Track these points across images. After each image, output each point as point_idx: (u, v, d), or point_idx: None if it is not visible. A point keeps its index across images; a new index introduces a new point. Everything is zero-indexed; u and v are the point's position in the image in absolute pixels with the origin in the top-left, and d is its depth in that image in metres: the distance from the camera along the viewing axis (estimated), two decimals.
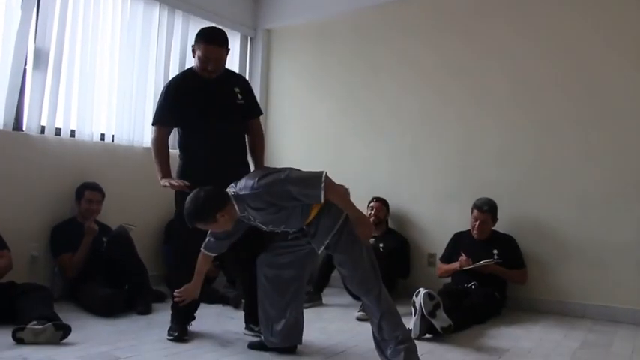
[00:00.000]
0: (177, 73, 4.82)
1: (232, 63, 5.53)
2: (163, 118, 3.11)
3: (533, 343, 3.18)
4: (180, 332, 3.03)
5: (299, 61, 5.50)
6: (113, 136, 4.44)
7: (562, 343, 3.21)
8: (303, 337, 2.88)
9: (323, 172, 2.47)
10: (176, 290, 2.82)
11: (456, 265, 3.94)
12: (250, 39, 5.71)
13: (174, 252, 3.16)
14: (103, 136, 4.39)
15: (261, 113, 3.33)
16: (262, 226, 2.62)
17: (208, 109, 3.05)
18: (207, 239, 2.72)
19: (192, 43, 3.04)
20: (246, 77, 5.54)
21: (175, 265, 3.13)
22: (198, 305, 3.19)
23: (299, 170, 2.58)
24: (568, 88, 4.06)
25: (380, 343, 2.57)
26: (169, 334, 3.03)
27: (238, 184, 2.54)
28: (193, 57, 3.05)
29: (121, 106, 4.48)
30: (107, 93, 4.42)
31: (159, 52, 4.74)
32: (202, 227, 2.56)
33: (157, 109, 3.13)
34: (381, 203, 4.54)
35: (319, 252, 2.62)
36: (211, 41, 2.97)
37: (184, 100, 3.05)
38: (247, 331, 3.19)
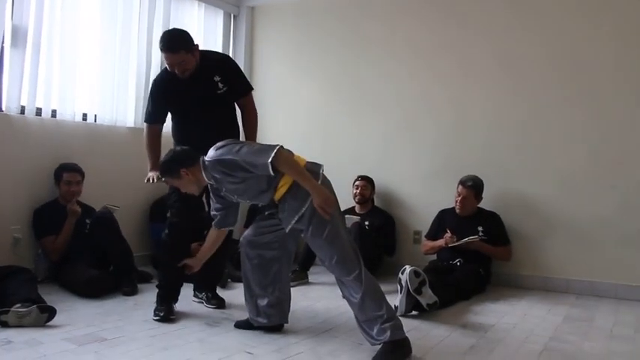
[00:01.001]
0: (159, 51, 4.78)
1: (216, 41, 5.45)
2: (150, 117, 3.28)
3: (517, 319, 3.23)
4: (167, 312, 3.03)
5: (284, 39, 5.43)
6: (95, 115, 4.36)
7: (546, 318, 3.26)
8: (289, 315, 2.89)
9: (277, 145, 2.52)
10: (185, 260, 2.97)
11: (440, 242, 3.97)
12: (234, 16, 5.61)
13: (169, 228, 3.16)
14: (85, 116, 4.31)
15: (247, 91, 3.33)
16: (230, 196, 2.68)
17: (190, 105, 3.18)
18: (214, 216, 2.86)
19: None
20: (229, 55, 5.51)
21: (168, 241, 3.13)
22: (182, 285, 3.23)
23: (261, 144, 2.66)
24: (553, 69, 4.07)
25: (364, 324, 2.53)
26: (155, 315, 3.03)
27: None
28: None
29: (103, 85, 4.40)
30: (89, 71, 4.33)
31: (141, 30, 4.64)
32: (169, 181, 2.78)
33: (146, 106, 3.30)
34: (366, 181, 4.55)
35: (287, 230, 2.62)
36: (165, 49, 3.03)
37: (167, 98, 3.20)
38: (194, 298, 3.44)
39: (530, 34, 4.16)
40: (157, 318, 3.00)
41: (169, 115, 3.31)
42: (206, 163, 2.61)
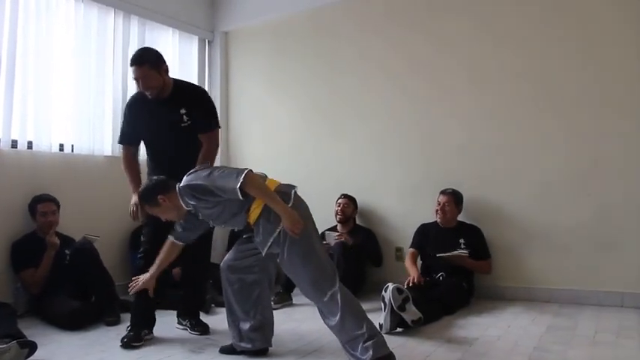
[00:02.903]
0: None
1: (191, 67, 5.48)
2: (124, 138, 3.32)
3: (501, 331, 3.24)
4: (132, 338, 3.02)
5: (258, 63, 5.48)
6: (72, 145, 4.34)
7: (530, 329, 3.28)
8: (274, 338, 2.87)
9: (246, 168, 2.56)
10: (133, 278, 2.97)
11: (413, 274, 3.88)
12: (208, 42, 5.66)
13: (142, 254, 3.16)
14: (62, 146, 4.29)
15: (207, 129, 3.25)
16: (207, 220, 2.73)
17: (157, 130, 3.22)
18: (175, 228, 2.83)
19: None
20: (205, 80, 5.55)
21: (141, 267, 3.12)
22: (154, 310, 3.22)
23: (231, 168, 2.69)
24: (524, 80, 4.14)
25: (347, 346, 2.54)
26: (121, 340, 3.02)
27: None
28: None
29: (79, 115, 4.39)
30: (64, 101, 4.32)
31: (115, 58, 4.65)
32: (149, 209, 2.79)
33: (121, 128, 3.35)
34: (348, 199, 4.57)
35: (263, 254, 2.64)
36: (131, 62, 3.09)
37: (136, 120, 3.25)
38: (178, 325, 3.41)
39: (500, 50, 4.24)
40: (120, 343, 2.99)
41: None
42: (180, 189, 2.65)
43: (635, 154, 3.76)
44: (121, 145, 3.36)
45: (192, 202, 2.63)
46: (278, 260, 2.64)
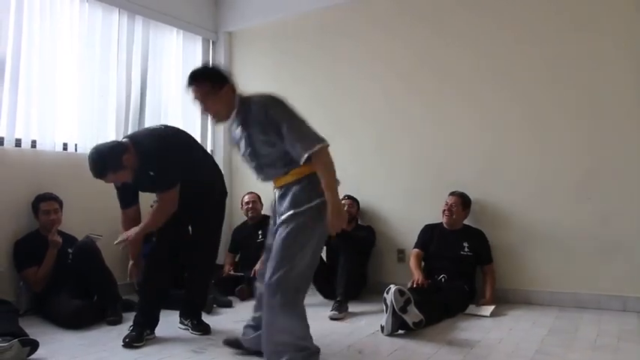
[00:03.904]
0: (138, 79, 4.82)
1: (194, 67, 5.47)
2: (121, 202, 3.28)
3: (503, 334, 3.24)
4: (133, 338, 3.02)
5: (262, 63, 5.49)
6: (76, 144, 4.36)
7: (531, 332, 3.28)
8: None
9: (325, 140, 2.39)
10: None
11: (417, 276, 3.88)
12: (212, 42, 5.67)
13: (151, 258, 3.24)
14: (65, 146, 4.30)
15: (159, 191, 3.12)
16: (244, 147, 2.51)
17: (143, 189, 3.27)
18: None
19: None
20: None
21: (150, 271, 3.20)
22: (158, 310, 3.24)
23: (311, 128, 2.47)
24: (527, 84, 4.14)
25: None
26: (123, 339, 3.02)
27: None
28: None
29: (83, 114, 4.41)
30: (68, 101, 4.34)
31: (120, 58, 4.67)
32: (112, 177, 2.92)
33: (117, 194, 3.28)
34: (353, 200, 4.59)
35: (278, 221, 2.43)
36: (93, 175, 2.96)
37: (123, 186, 3.21)
38: (180, 325, 3.42)
39: (511, 45, 4.23)
40: (122, 343, 3.00)
41: None
42: (256, 97, 2.48)
43: (637, 158, 3.76)
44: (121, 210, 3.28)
45: (253, 119, 2.40)
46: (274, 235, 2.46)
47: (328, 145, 2.37)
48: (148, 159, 3.02)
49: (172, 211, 3.10)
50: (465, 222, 4.20)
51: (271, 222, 2.64)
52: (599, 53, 3.90)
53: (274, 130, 2.36)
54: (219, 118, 2.55)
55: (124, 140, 3.07)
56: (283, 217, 2.40)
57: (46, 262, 3.69)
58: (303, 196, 2.38)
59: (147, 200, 3.52)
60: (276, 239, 2.41)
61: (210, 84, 2.51)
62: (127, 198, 3.24)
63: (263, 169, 2.52)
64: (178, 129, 3.46)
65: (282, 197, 2.46)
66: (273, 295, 2.35)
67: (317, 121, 4.98)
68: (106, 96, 4.56)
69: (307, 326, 2.43)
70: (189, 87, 2.54)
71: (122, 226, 3.27)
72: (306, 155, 2.29)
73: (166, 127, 3.36)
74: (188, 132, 3.47)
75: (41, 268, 3.68)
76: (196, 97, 2.52)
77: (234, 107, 2.50)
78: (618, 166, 3.82)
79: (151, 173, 3.04)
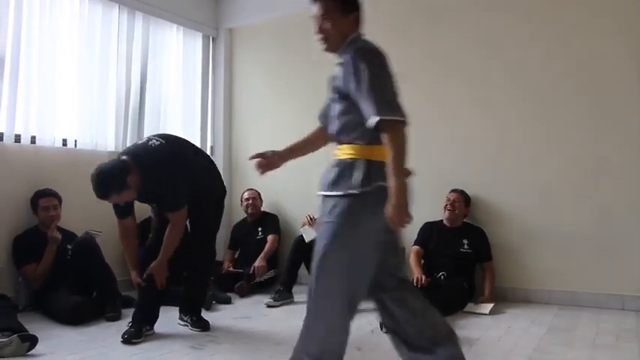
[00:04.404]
0: (138, 75, 4.81)
1: (195, 64, 5.49)
2: (116, 212, 3.25)
3: (502, 332, 3.25)
4: (132, 334, 3.03)
5: (262, 60, 5.48)
6: (75, 140, 4.35)
7: (530, 330, 3.28)
8: (274, 336, 2.87)
9: (407, 119, 1.97)
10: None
11: (417, 274, 3.87)
12: (212, 39, 5.66)
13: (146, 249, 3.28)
14: (65, 141, 4.30)
15: (166, 210, 3.15)
16: (331, 88, 2.19)
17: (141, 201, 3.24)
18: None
19: None
20: (209, 77, 5.58)
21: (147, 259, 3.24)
22: (158, 307, 3.25)
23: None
24: (527, 83, 4.14)
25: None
26: (122, 335, 3.03)
27: None
28: None
29: (82, 110, 4.40)
30: (68, 97, 4.33)
31: (120, 54, 4.66)
32: (115, 198, 2.91)
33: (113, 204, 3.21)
34: None
35: (320, 193, 2.12)
36: (98, 196, 2.94)
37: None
38: (180, 321, 3.41)
39: (516, 44, 4.22)
40: (121, 339, 3.00)
41: None
42: (361, 42, 2.15)
43: (636, 157, 3.76)
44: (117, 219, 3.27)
45: (346, 66, 2.03)
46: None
47: (407, 125, 1.95)
48: (152, 181, 3.01)
49: (183, 229, 3.15)
50: (465, 220, 4.20)
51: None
52: (602, 53, 3.90)
53: (355, 85, 1.97)
54: (329, 44, 2.21)
55: (125, 159, 2.99)
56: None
57: (45, 258, 3.68)
58: (355, 173, 1.98)
59: (146, 207, 3.48)
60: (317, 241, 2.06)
61: (340, 4, 2.21)
62: (124, 208, 3.21)
63: (334, 123, 2.14)
64: (175, 140, 3.35)
65: (330, 170, 2.12)
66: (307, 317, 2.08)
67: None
68: (106, 92, 4.55)
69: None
70: (315, 0, 2.21)
71: (120, 238, 3.28)
72: (377, 119, 1.87)
73: (164, 143, 3.19)
74: (184, 138, 3.46)
75: (40, 264, 3.68)
76: (319, 14, 2.21)
77: (347, 41, 2.14)
78: (619, 165, 3.82)
79: (153, 204, 3.10)
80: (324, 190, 2.07)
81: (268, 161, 2.59)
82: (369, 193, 1.94)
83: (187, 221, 3.32)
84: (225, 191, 3.56)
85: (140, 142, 3.21)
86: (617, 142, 3.83)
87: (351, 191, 1.95)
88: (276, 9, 5.30)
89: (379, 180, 1.94)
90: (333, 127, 2.14)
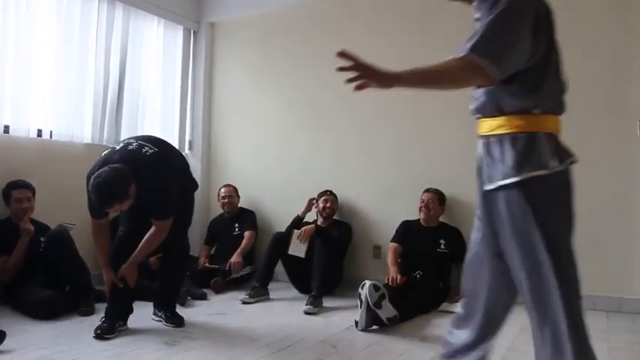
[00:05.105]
0: (117, 67, 4.75)
1: (175, 57, 5.43)
2: (93, 211, 3.15)
3: None
4: (105, 330, 2.99)
5: (244, 55, 5.45)
6: (51, 131, 4.28)
7: (503, 330, 3.31)
8: (250, 332, 2.87)
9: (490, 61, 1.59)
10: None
11: (392, 273, 3.86)
12: (194, 32, 5.61)
13: (117, 242, 3.25)
14: (40, 132, 4.22)
15: (156, 218, 3.10)
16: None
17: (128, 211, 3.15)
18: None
19: None
20: (189, 71, 5.53)
21: (117, 256, 3.19)
22: (130, 303, 3.22)
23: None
24: None
25: None
26: (94, 331, 2.99)
27: None
28: None
29: (59, 100, 4.32)
30: (44, 86, 4.25)
31: (99, 45, 4.59)
32: (117, 207, 2.87)
33: (88, 200, 3.10)
34: (334, 196, 4.59)
35: (485, 188, 1.80)
36: (102, 206, 2.91)
37: None
38: (154, 317, 3.38)
39: None
40: (93, 334, 2.97)
41: None
42: None
43: (611, 159, 3.82)
44: (91, 219, 3.19)
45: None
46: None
47: (489, 79, 1.60)
48: (147, 191, 2.97)
49: (165, 236, 3.13)
50: (442, 219, 4.23)
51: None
52: (580, 53, 3.95)
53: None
54: None
55: (125, 168, 2.92)
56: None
57: (17, 250, 3.61)
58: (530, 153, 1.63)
59: None
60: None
61: None
62: (100, 210, 3.11)
63: (487, 91, 1.75)
64: (165, 146, 3.28)
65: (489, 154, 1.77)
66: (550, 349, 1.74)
67: (299, 115, 5.05)
68: (84, 83, 4.48)
69: None
70: None
71: (94, 236, 3.21)
72: (465, 53, 1.59)
73: (157, 151, 3.12)
74: (166, 141, 3.38)
75: (12, 256, 3.60)
76: None
77: None
78: (593, 166, 3.87)
79: (148, 199, 3.01)
80: (505, 178, 1.65)
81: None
82: (563, 172, 1.66)
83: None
84: (197, 186, 3.49)
85: (131, 146, 3.08)
86: (592, 143, 3.87)
87: (543, 172, 1.61)
88: (258, 4, 5.27)
89: (569, 156, 1.68)
90: (486, 91, 1.74)
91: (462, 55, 1.57)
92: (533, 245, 1.61)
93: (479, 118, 1.81)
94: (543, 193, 1.61)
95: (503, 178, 1.65)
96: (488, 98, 1.72)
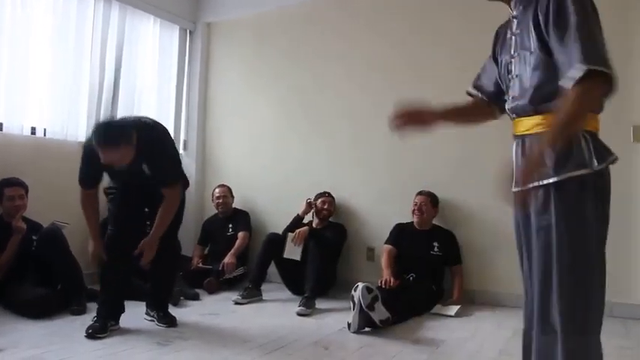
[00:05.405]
0: (113, 65, 4.73)
1: (172, 57, 5.42)
2: (84, 181, 3.15)
3: (468, 334, 3.28)
4: (97, 329, 2.97)
5: (240, 56, 5.45)
6: (45, 129, 4.26)
7: (496, 333, 3.32)
8: (242, 333, 2.86)
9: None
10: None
11: (386, 276, 3.84)
12: (190, 32, 5.60)
13: (107, 241, 3.21)
14: (34, 130, 4.20)
15: (166, 184, 3.13)
16: (510, 46, 1.78)
17: (119, 179, 3.23)
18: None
19: None
20: (185, 71, 5.52)
21: (108, 256, 3.17)
22: (122, 302, 3.21)
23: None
24: None
25: None
26: (86, 330, 2.97)
27: None
28: None
29: (53, 98, 4.31)
30: (39, 84, 4.24)
31: (94, 43, 4.58)
32: (122, 150, 2.81)
33: (79, 169, 3.13)
34: (332, 198, 4.61)
35: (521, 187, 1.62)
36: (102, 145, 2.82)
37: (100, 165, 3.01)
38: (146, 316, 3.38)
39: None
40: (85, 334, 2.95)
41: None
42: None
43: None
44: (80, 188, 3.16)
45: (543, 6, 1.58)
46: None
47: (611, 89, 1.54)
48: (153, 150, 3.00)
49: (178, 206, 3.14)
50: (435, 222, 4.23)
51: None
52: None
53: (557, 29, 1.54)
54: None
55: (127, 119, 3.02)
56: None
57: (9, 248, 3.59)
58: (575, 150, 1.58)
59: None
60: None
61: None
62: (93, 178, 3.15)
63: (522, 89, 1.70)
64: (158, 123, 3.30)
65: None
66: None
67: (294, 116, 5.04)
68: (79, 81, 4.47)
69: None
70: None
71: (83, 207, 3.19)
72: (584, 68, 1.45)
73: (157, 122, 3.22)
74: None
75: (3, 255, 3.58)
76: None
77: None
78: None
79: (144, 166, 3.01)
80: (543, 178, 1.59)
81: (413, 117, 2.04)
82: (604, 171, 1.60)
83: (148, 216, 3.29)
84: (188, 183, 3.47)
85: (130, 117, 3.18)
86: None
87: (583, 171, 1.55)
88: (255, 5, 5.27)
89: (609, 154, 1.61)
90: (522, 93, 1.69)
91: (582, 72, 1.45)
92: (553, 244, 1.59)
93: (514, 118, 1.78)
94: (581, 193, 1.56)
95: (543, 178, 1.59)
96: (525, 97, 1.68)
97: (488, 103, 2.02)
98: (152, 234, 3.14)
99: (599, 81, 1.48)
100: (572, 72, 1.47)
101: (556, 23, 1.54)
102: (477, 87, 2.07)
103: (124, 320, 3.19)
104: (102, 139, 2.81)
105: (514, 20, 1.76)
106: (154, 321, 3.31)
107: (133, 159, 2.95)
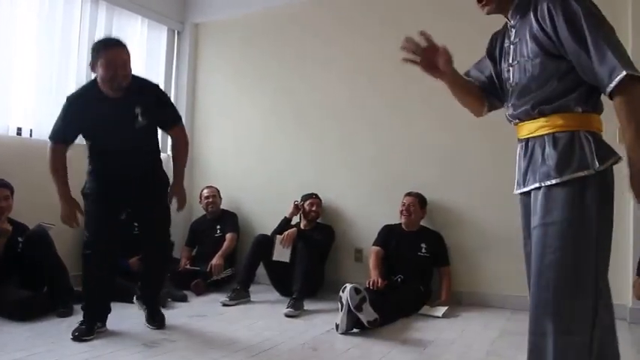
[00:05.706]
0: None
1: (159, 57, 5.40)
2: (56, 134, 3.04)
3: (456, 335, 3.29)
4: (83, 332, 2.95)
5: (228, 56, 5.44)
6: (31, 130, 4.23)
7: (483, 334, 3.34)
8: (229, 334, 2.85)
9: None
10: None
11: (374, 277, 3.85)
12: (178, 33, 5.58)
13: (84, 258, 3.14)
14: (20, 130, 4.17)
15: (174, 123, 3.23)
16: (509, 54, 1.82)
17: (105, 133, 3.03)
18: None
19: (90, 60, 2.95)
20: (173, 72, 5.49)
21: (90, 263, 3.11)
22: (108, 304, 3.17)
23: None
24: None
25: None
26: (72, 333, 2.94)
27: None
28: (94, 72, 2.98)
29: (39, 99, 4.27)
30: (25, 85, 4.20)
31: (81, 43, 4.55)
32: (125, 55, 2.89)
33: (55, 123, 3.04)
34: (319, 200, 4.60)
35: (526, 189, 1.78)
36: (110, 45, 2.91)
37: (81, 119, 2.99)
38: (136, 301, 3.44)
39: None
40: (71, 336, 2.92)
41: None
42: None
43: None
44: (51, 143, 3.04)
45: (544, 16, 1.61)
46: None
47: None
48: (150, 90, 3.14)
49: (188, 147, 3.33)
50: (423, 223, 4.25)
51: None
52: None
53: (573, 35, 1.55)
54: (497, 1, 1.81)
55: None
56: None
57: None
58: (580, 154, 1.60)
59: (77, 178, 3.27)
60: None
61: None
62: (68, 133, 3.03)
63: (527, 92, 1.72)
64: None
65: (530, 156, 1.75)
66: None
67: (281, 117, 5.04)
68: (66, 81, 4.43)
69: None
70: None
71: (52, 164, 3.03)
72: (622, 74, 1.46)
73: None
74: None
75: None
76: None
77: None
78: None
79: (138, 110, 2.99)
80: (546, 179, 1.63)
81: (430, 53, 2.12)
82: (606, 172, 1.61)
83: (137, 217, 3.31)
84: (168, 182, 3.44)
85: None
86: None
87: (585, 172, 1.57)
88: (243, 5, 5.27)
89: (612, 155, 1.62)
90: (524, 99, 1.73)
91: (617, 81, 1.48)
92: (553, 245, 1.61)
93: (516, 123, 1.81)
94: (584, 194, 1.57)
95: (545, 179, 1.64)
96: (527, 103, 1.72)
97: (480, 89, 2.11)
98: (176, 181, 3.26)
99: (636, 84, 1.48)
100: (609, 80, 1.48)
101: (569, 30, 1.55)
102: (467, 74, 2.20)
103: (111, 322, 3.17)
104: (112, 39, 2.98)
105: (512, 30, 1.80)
106: (143, 312, 3.29)
107: (127, 91, 2.96)
